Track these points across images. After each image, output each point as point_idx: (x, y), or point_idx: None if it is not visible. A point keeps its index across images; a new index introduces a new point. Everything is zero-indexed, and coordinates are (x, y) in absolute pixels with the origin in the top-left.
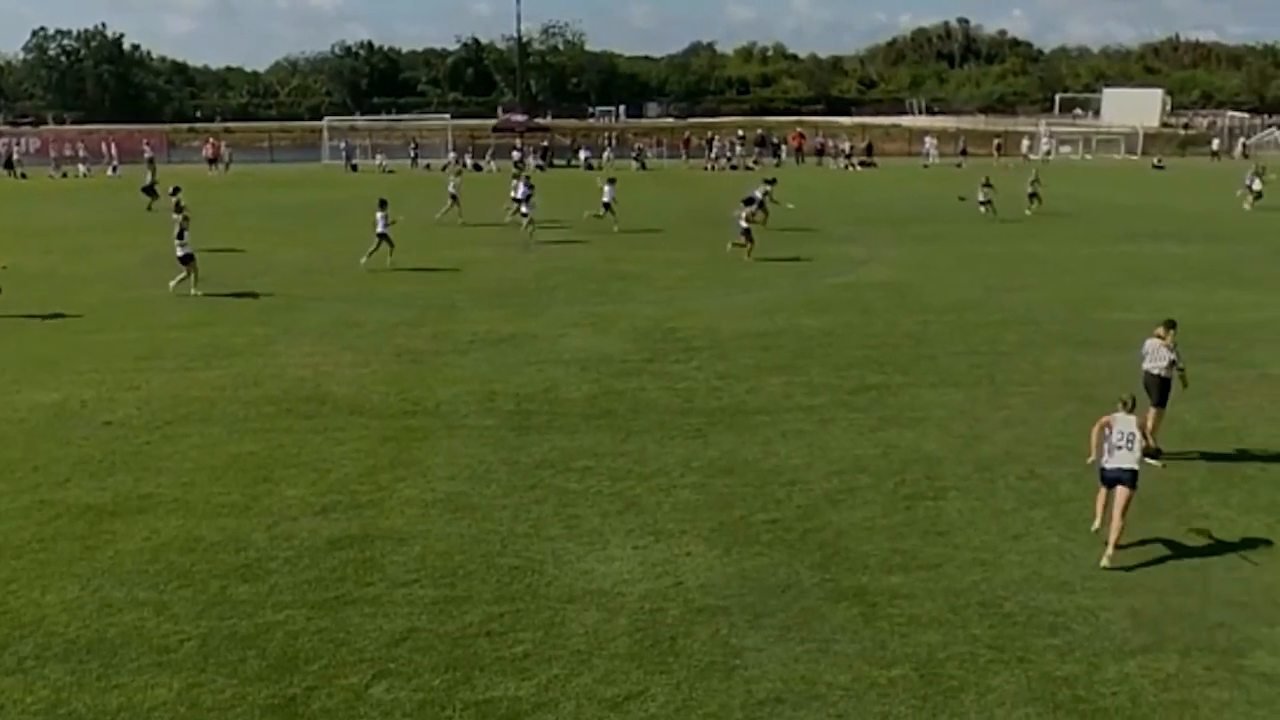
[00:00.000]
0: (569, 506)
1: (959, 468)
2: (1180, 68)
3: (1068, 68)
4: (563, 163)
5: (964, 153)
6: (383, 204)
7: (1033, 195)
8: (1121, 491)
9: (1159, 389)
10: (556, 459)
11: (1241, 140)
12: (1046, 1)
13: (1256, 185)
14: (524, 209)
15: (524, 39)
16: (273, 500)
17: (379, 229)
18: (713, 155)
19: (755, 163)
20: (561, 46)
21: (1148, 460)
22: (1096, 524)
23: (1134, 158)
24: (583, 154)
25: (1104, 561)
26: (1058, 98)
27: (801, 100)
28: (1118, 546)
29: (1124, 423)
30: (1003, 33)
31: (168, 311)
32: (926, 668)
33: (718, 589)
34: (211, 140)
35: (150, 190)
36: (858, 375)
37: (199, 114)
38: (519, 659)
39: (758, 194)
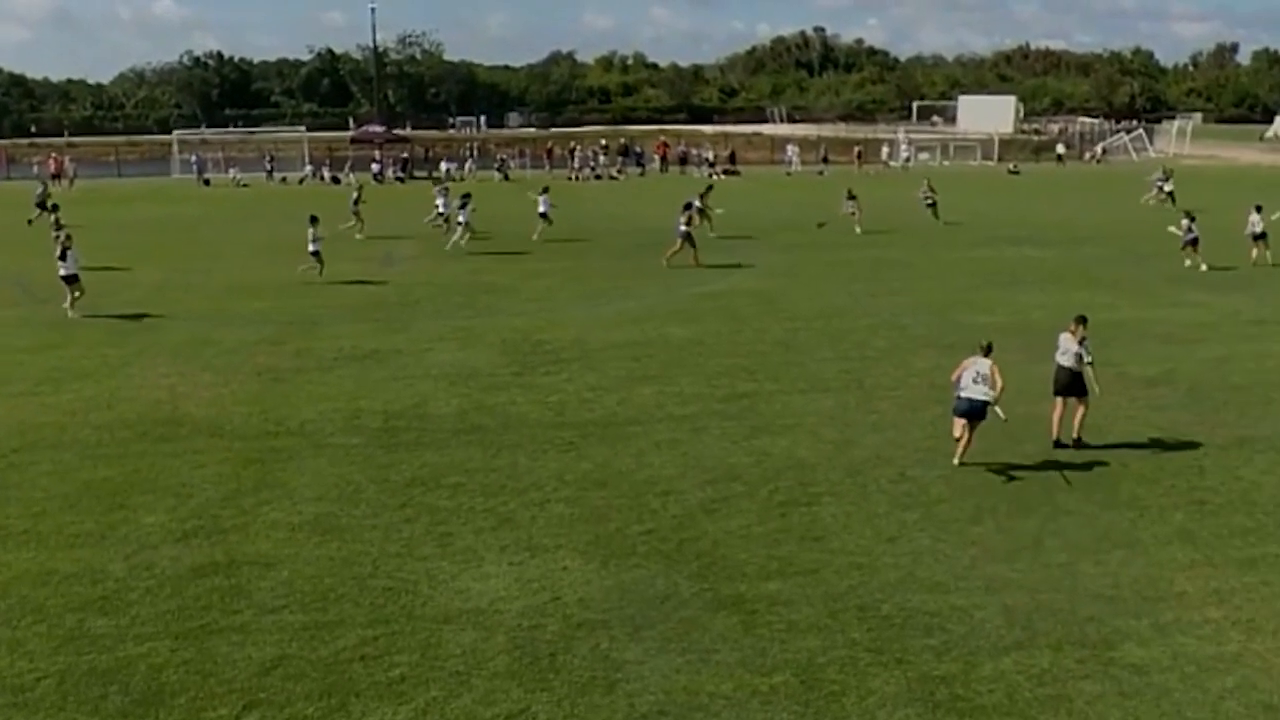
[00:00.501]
0: (441, 524)
1: (831, 473)
2: (1032, 75)
3: (924, 76)
4: (424, 174)
5: (826, 160)
6: (313, 220)
7: (931, 204)
8: (972, 420)
9: (1069, 381)
10: (427, 476)
11: (1100, 146)
12: (900, 11)
13: (1168, 187)
14: (462, 216)
15: (380, 49)
16: (130, 528)
17: (311, 247)
18: (576, 165)
19: (619, 172)
20: (419, 56)
21: (996, 410)
22: (957, 460)
23: (990, 163)
24: (444, 165)
25: (955, 460)
26: (915, 105)
27: (664, 109)
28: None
29: (980, 364)
30: (860, 42)
31: (12, 334)
32: (807, 673)
33: (596, 603)
34: (54, 155)
35: (42, 205)
36: (728, 383)
37: (34, 128)
38: (396, 682)
39: (695, 201)
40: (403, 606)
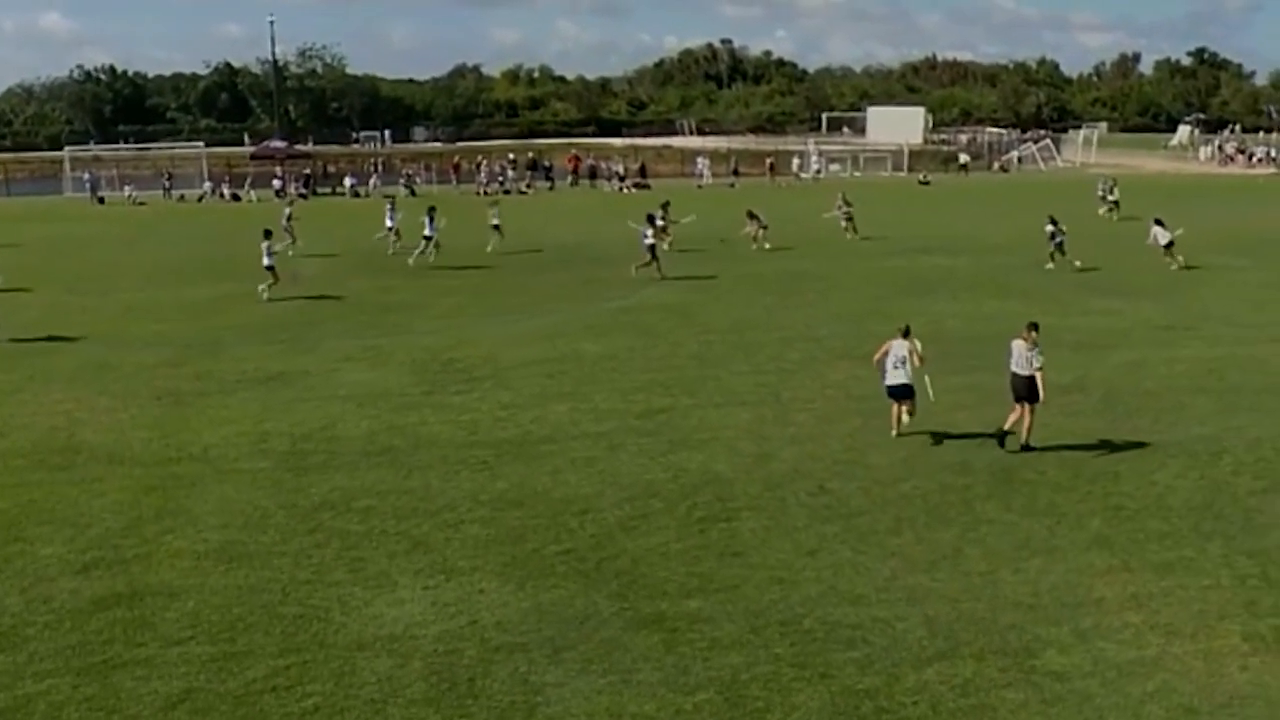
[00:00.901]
0: (353, 549)
1: (750, 487)
2: (940, 86)
3: (832, 87)
4: (327, 190)
5: (736, 172)
6: (267, 234)
7: (849, 218)
8: (904, 401)
9: (1027, 387)
10: (337, 500)
11: (1013, 155)
12: (808, 22)
13: (1112, 196)
14: (428, 230)
15: (280, 62)
16: (26, 560)
17: (265, 261)
18: (484, 180)
19: (528, 186)
20: (320, 70)
21: (928, 389)
22: (895, 431)
23: (901, 174)
24: (348, 181)
25: (894, 432)
26: (824, 117)
27: (572, 122)
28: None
29: (899, 347)
30: (768, 53)
31: None
32: (731, 690)
33: (514, 625)
34: None
35: None
36: (644, 399)
37: None
38: (309, 713)
39: (657, 214)
40: (314, 635)
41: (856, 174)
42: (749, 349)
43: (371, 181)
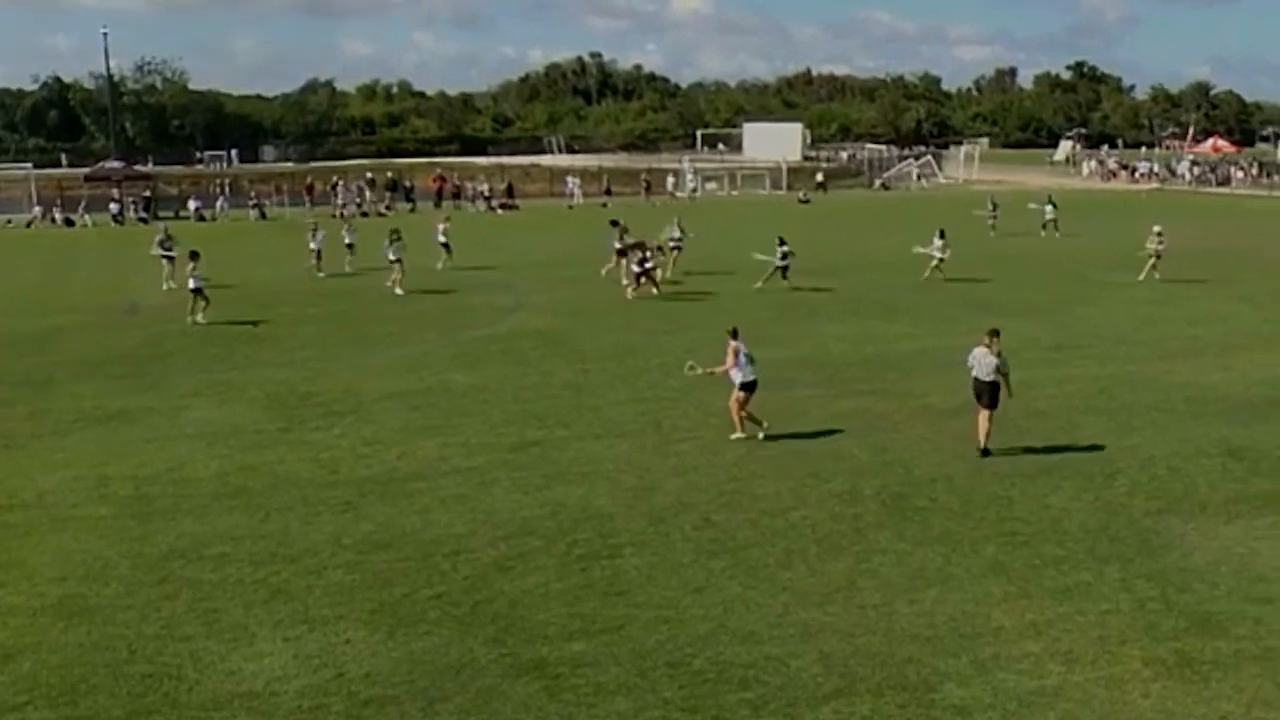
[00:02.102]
0: (206, 600)
1: (632, 522)
2: (817, 100)
3: (707, 102)
4: (170, 214)
5: (609, 192)
6: (194, 255)
7: (677, 245)
8: (751, 396)
9: (989, 393)
10: (187, 547)
11: (896, 170)
12: (678, 36)
13: (1050, 214)
14: (391, 254)
15: (115, 77)
16: None
17: (191, 284)
18: (341, 202)
19: (388, 208)
20: (160, 85)
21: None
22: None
23: (780, 192)
24: (192, 204)
25: (735, 436)
26: (699, 133)
27: (433, 140)
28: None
29: (742, 344)
30: (639, 68)
31: None
32: None
33: (384, 677)
34: None
35: None
36: (517, 431)
37: None
38: None
39: (615, 243)
40: (165, 694)
41: (734, 192)
42: (627, 377)
43: (218, 204)
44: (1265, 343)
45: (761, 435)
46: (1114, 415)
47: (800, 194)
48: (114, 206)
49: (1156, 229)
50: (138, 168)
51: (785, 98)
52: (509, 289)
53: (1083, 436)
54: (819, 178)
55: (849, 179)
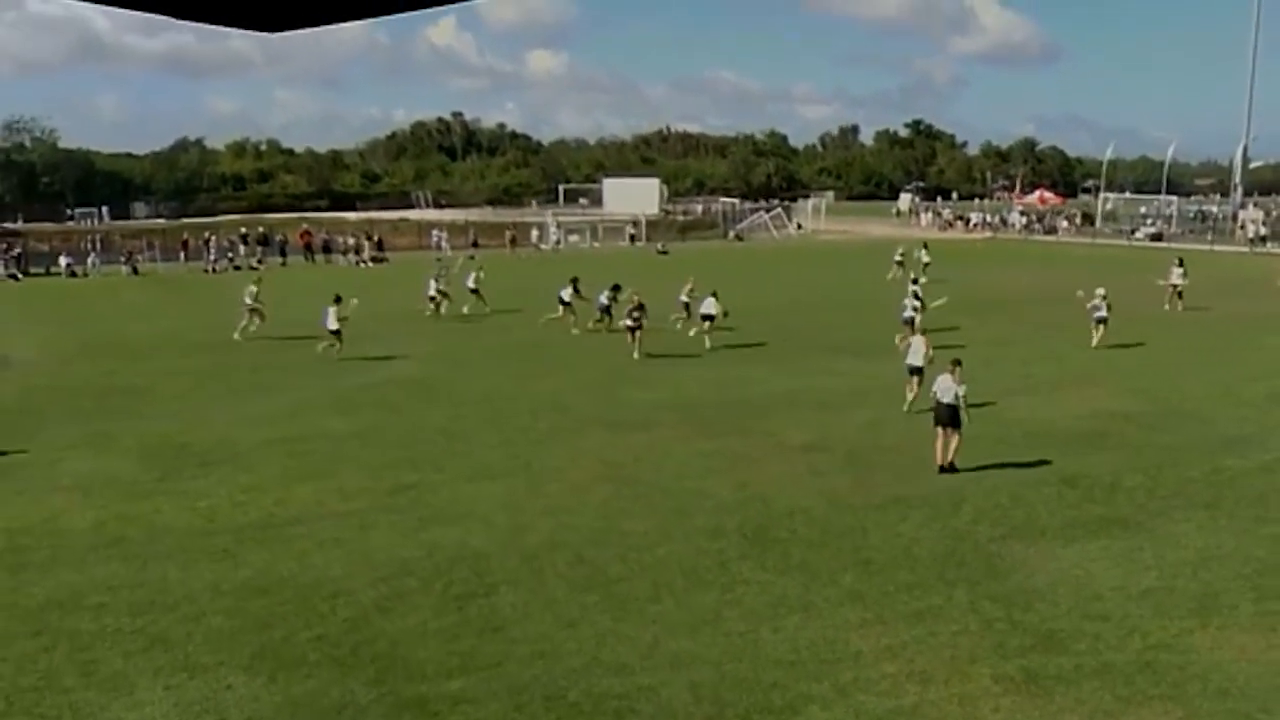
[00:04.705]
0: (84, 650)
1: (507, 561)
2: (674, 157)
3: (568, 159)
4: (40, 270)
5: (475, 244)
6: (337, 300)
7: (444, 294)
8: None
9: (950, 416)
10: (64, 598)
11: (747, 222)
12: (535, 95)
13: (925, 258)
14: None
15: None
16: None
17: (330, 326)
18: (213, 257)
19: (260, 262)
20: (29, 143)
21: None
22: None
23: (639, 244)
24: (64, 260)
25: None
26: (561, 188)
27: (303, 195)
28: None
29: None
30: (502, 126)
31: None
32: None
33: None
34: None
35: None
36: (393, 475)
37: None
38: None
39: (565, 295)
40: None
41: (596, 244)
42: (498, 420)
43: (90, 260)
44: (1092, 379)
45: None
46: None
47: (659, 245)
48: None
49: (1178, 262)
50: (7, 225)
51: (643, 154)
52: (382, 339)
53: (930, 469)
54: (629, 230)
55: (705, 230)
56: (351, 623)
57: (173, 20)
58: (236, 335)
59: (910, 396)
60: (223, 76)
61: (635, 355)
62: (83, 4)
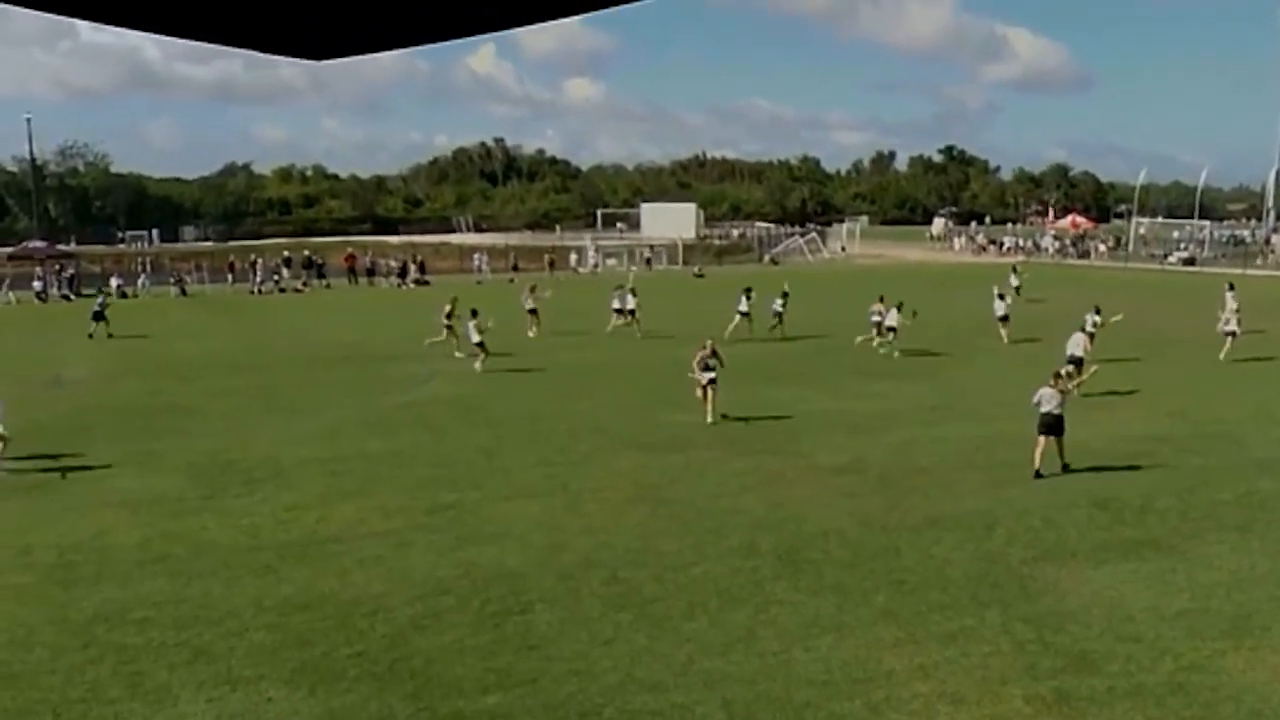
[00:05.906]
0: (130, 663)
1: (543, 579)
2: (710, 182)
3: (606, 184)
4: (92, 291)
5: (516, 268)
6: (474, 313)
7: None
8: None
9: (1057, 424)
10: (111, 612)
11: (778, 249)
12: (574, 122)
13: (1014, 282)
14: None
15: (38, 161)
16: None
17: (474, 339)
18: (259, 279)
19: (305, 285)
20: (82, 168)
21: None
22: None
23: (676, 268)
24: (114, 281)
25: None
26: (599, 213)
27: (347, 219)
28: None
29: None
30: (541, 151)
31: None
32: None
33: None
34: None
35: None
36: (431, 495)
37: None
38: None
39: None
40: None
41: (634, 268)
42: (536, 440)
43: (140, 281)
44: (1124, 402)
45: None
46: (990, 471)
47: (695, 269)
48: (37, 284)
49: (1232, 297)
50: (60, 247)
51: (679, 179)
52: (422, 359)
53: (962, 491)
54: (646, 255)
55: (740, 254)
56: (390, 639)
57: (222, 48)
58: (458, 354)
59: (1072, 386)
60: (270, 104)
61: (709, 419)
62: (135, 33)
